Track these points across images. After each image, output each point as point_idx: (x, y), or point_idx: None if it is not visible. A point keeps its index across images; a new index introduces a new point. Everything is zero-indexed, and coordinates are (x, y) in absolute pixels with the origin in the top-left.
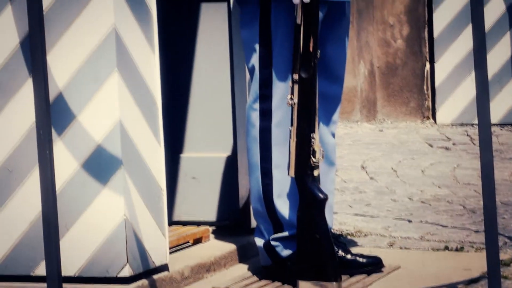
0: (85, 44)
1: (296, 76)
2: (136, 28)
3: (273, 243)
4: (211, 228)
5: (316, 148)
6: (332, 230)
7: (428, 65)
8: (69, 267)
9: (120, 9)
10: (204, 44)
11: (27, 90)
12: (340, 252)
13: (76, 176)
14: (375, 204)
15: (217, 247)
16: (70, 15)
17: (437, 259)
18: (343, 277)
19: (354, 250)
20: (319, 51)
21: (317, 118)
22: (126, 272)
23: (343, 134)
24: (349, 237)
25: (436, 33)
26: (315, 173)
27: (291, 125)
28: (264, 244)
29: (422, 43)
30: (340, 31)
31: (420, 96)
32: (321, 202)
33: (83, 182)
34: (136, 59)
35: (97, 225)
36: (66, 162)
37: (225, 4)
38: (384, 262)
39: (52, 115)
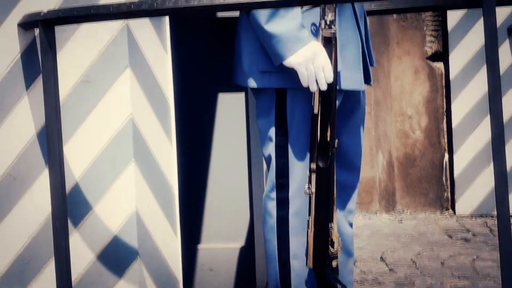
0: (102, 134)
1: (313, 166)
2: (153, 117)
3: None
4: None
5: (334, 238)
6: None
7: (446, 156)
8: None
9: (137, 98)
10: (222, 134)
11: (43, 181)
12: None
13: (92, 267)
14: None
15: None
16: (87, 105)
17: None
18: None
19: None
20: (336, 140)
21: (335, 208)
22: None
23: (362, 225)
24: None
25: (454, 124)
26: (334, 263)
27: (309, 214)
28: None
29: (440, 134)
30: (355, 120)
31: (439, 187)
32: None
33: (100, 274)
34: (153, 148)
35: None
36: (82, 253)
37: (242, 94)
38: None
39: (68, 206)
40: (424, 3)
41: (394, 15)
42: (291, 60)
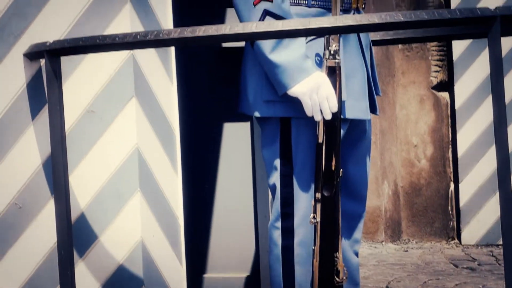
0: (107, 164)
1: (318, 195)
2: (159, 147)
3: None
4: None
5: (339, 268)
6: None
7: (452, 185)
8: None
9: (143, 128)
10: (227, 163)
11: (49, 211)
12: None
13: None
14: None
15: None
16: (93, 135)
17: None
18: None
19: None
20: (341, 169)
21: (340, 237)
22: None
23: (367, 255)
24: None
25: (459, 153)
26: None
27: (314, 244)
28: None
29: (446, 163)
30: (361, 149)
31: (445, 216)
32: None
33: None
34: (159, 178)
35: None
36: (88, 283)
37: (247, 124)
38: None
39: (73, 236)
40: (429, 33)
41: (400, 45)
42: (295, 90)
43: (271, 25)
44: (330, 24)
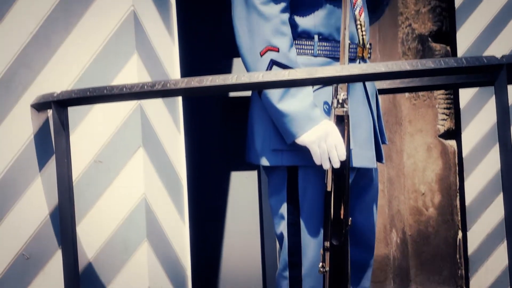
0: (115, 214)
1: (327, 244)
2: (166, 197)
3: None
4: None
5: None
6: None
7: (460, 234)
8: None
9: (150, 178)
10: (235, 212)
11: (57, 261)
12: None
13: None
14: None
15: None
16: (100, 185)
17: None
18: None
19: None
20: (350, 218)
21: (349, 286)
22: None
23: None
24: None
25: (467, 201)
26: None
27: None
28: None
29: (454, 211)
30: (369, 198)
31: (453, 265)
32: None
33: None
34: (166, 228)
35: None
36: None
37: (255, 172)
38: None
39: (81, 286)
40: (436, 82)
41: (406, 94)
42: (304, 139)
43: (277, 74)
44: (337, 73)
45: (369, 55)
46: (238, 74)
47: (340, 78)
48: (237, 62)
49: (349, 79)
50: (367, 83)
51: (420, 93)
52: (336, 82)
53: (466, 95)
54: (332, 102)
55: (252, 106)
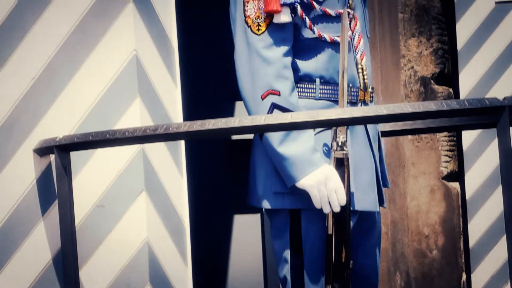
0: (118, 258)
1: (329, 287)
2: (169, 241)
3: None
4: None
5: None
6: None
7: (464, 276)
8: None
9: (153, 222)
10: (238, 255)
11: None
12: None
13: None
14: None
15: None
16: (102, 230)
17: None
18: None
19: None
20: (351, 261)
21: None
22: None
23: None
24: None
25: (471, 243)
26: None
27: None
28: None
29: (458, 254)
30: (371, 241)
31: None
32: None
33: None
34: (169, 272)
35: None
36: None
37: (257, 216)
38: None
39: None
40: (439, 124)
41: (409, 136)
42: (304, 182)
43: (279, 117)
44: (338, 116)
45: (371, 99)
46: (240, 118)
47: (342, 120)
48: (239, 105)
49: (351, 122)
50: (368, 126)
51: (423, 135)
52: (338, 124)
53: (469, 137)
54: (331, 145)
55: (254, 149)
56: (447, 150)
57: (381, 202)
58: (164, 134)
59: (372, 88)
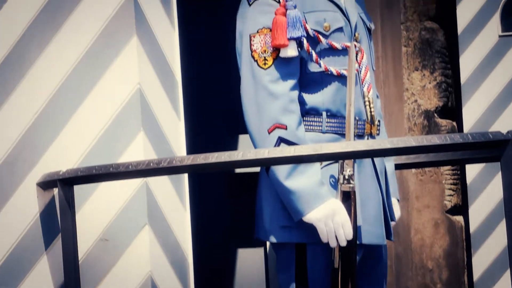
0: None
1: None
2: (172, 274)
3: None
4: None
5: None
6: None
7: None
8: None
9: (157, 257)
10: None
11: None
12: None
13: None
14: None
15: None
16: (106, 263)
17: None
18: None
19: None
20: None
21: None
22: None
23: None
24: None
25: (475, 277)
26: None
27: None
28: None
29: (462, 287)
30: (377, 275)
31: None
32: None
33: None
34: None
35: None
36: None
37: (261, 249)
38: None
39: None
40: (442, 157)
41: (413, 169)
42: (310, 216)
43: (283, 151)
44: (342, 150)
45: (377, 132)
46: (244, 151)
47: (345, 154)
48: (243, 139)
49: (355, 155)
50: (375, 159)
51: (427, 169)
52: (341, 158)
53: (473, 170)
54: (338, 178)
55: (260, 182)
56: (451, 184)
57: (388, 235)
58: (168, 167)
59: (379, 121)
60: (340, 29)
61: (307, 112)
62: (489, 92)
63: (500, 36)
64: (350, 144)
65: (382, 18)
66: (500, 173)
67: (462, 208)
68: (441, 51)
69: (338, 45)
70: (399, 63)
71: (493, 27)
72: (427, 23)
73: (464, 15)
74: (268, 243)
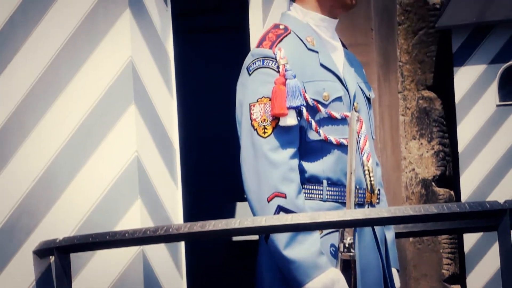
0: None
1: None
2: None
3: None
4: None
5: None
6: None
7: None
8: None
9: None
10: None
11: None
12: None
13: None
14: None
15: None
16: None
17: None
18: None
19: None
20: None
21: None
22: None
23: None
24: None
25: None
26: None
27: None
28: None
29: None
30: None
31: None
32: None
33: None
34: None
35: None
36: None
37: None
38: None
39: None
40: (440, 226)
41: (410, 238)
42: (310, 286)
43: (280, 219)
44: (339, 218)
45: (377, 201)
46: (241, 219)
47: (343, 222)
48: (240, 206)
49: (352, 224)
50: (376, 228)
51: (424, 238)
52: (339, 226)
53: (470, 239)
54: (338, 246)
55: (260, 251)
56: (449, 253)
57: None
58: (164, 235)
59: (379, 190)
60: (339, 99)
61: (307, 180)
62: (486, 161)
63: (497, 105)
64: (347, 213)
65: (380, 87)
66: (497, 242)
67: (459, 277)
68: (439, 120)
69: (337, 115)
70: (396, 132)
71: (491, 96)
72: (424, 92)
73: (461, 84)
74: None
